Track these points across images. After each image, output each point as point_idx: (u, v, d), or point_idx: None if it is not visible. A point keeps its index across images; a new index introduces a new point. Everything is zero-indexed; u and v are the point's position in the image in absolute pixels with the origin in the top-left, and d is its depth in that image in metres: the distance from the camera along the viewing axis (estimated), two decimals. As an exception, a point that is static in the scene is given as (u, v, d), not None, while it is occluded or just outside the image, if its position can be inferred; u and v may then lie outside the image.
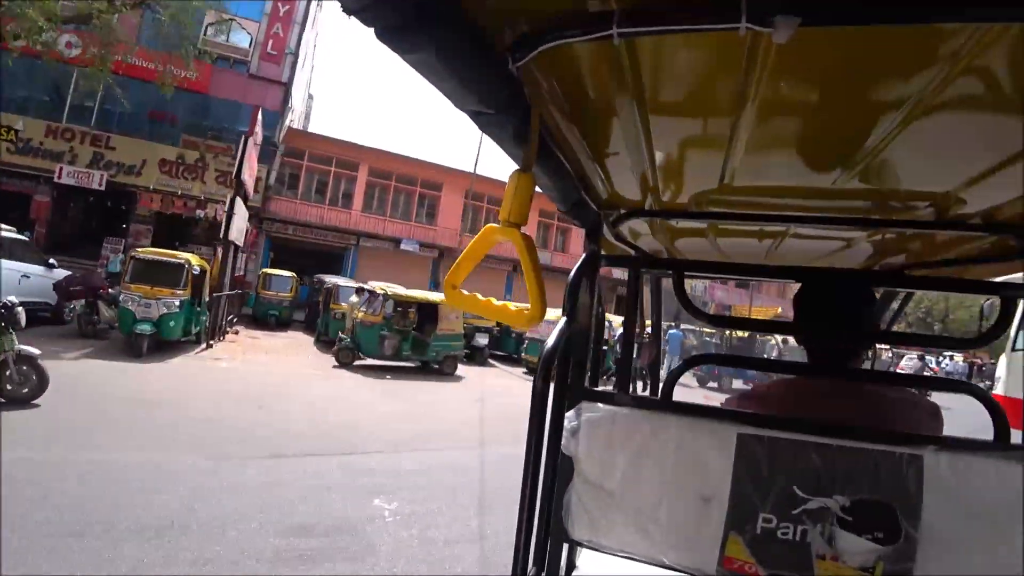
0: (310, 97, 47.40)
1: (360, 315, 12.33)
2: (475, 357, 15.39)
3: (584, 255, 1.28)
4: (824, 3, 0.55)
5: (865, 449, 0.93)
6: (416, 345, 12.77)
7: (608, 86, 0.81)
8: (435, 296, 12.91)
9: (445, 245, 23.95)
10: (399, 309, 12.67)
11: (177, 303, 10.46)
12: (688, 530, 1.01)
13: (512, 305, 0.90)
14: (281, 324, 17.15)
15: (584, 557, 1.55)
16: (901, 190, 1.11)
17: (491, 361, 16.14)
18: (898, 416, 1.15)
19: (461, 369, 13.54)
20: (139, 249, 10.64)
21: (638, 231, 1.66)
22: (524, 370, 14.87)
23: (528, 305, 0.84)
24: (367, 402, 8.89)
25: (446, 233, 24.10)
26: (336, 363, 11.90)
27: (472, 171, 22.85)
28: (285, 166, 22.46)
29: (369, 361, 12.12)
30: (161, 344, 10.41)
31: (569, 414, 1.12)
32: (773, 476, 0.96)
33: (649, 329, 2.54)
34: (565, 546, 1.34)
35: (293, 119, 22.81)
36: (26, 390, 5.94)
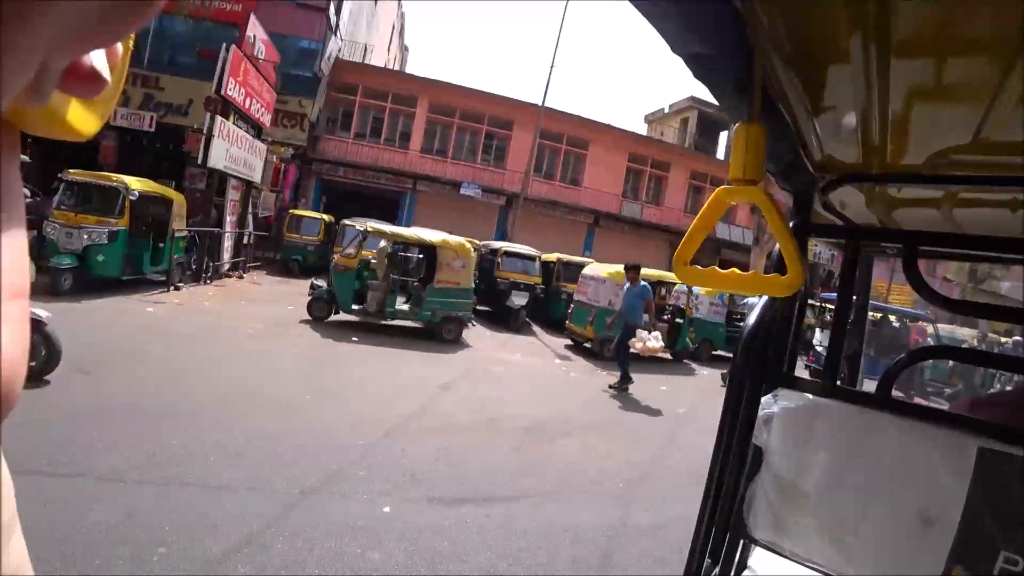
0: (404, 48, 45.88)
1: (335, 258, 9.90)
2: (509, 320, 12.42)
3: (793, 223, 1.16)
4: None
5: None
6: (408, 300, 10.16)
7: (843, 21, 0.67)
8: (432, 236, 10.05)
9: (513, 191, 20.98)
10: (391, 253, 10.08)
11: (106, 233, 8.69)
12: (899, 552, 0.87)
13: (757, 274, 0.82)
14: (305, 270, 15.39)
15: (758, 557, 1.33)
16: None
17: (533, 327, 13.13)
18: None
19: (480, 335, 10.84)
20: (70, 171, 8.97)
21: (847, 201, 1.40)
22: (568, 342, 11.74)
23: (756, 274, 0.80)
24: (272, 370, 6.36)
25: (515, 178, 21.07)
26: (307, 316, 9.62)
27: (540, 104, 19.37)
28: (337, 103, 20.63)
29: (348, 317, 9.68)
30: (93, 282, 8.74)
31: (765, 399, 1.04)
32: None
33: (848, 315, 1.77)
34: (741, 543, 1.20)
35: (343, 50, 20.69)
36: (33, 363, 4.42)
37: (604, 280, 10.77)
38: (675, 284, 11.73)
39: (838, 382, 1.25)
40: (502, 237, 20.28)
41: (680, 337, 11.37)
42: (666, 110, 29.59)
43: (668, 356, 10.80)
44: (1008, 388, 2.17)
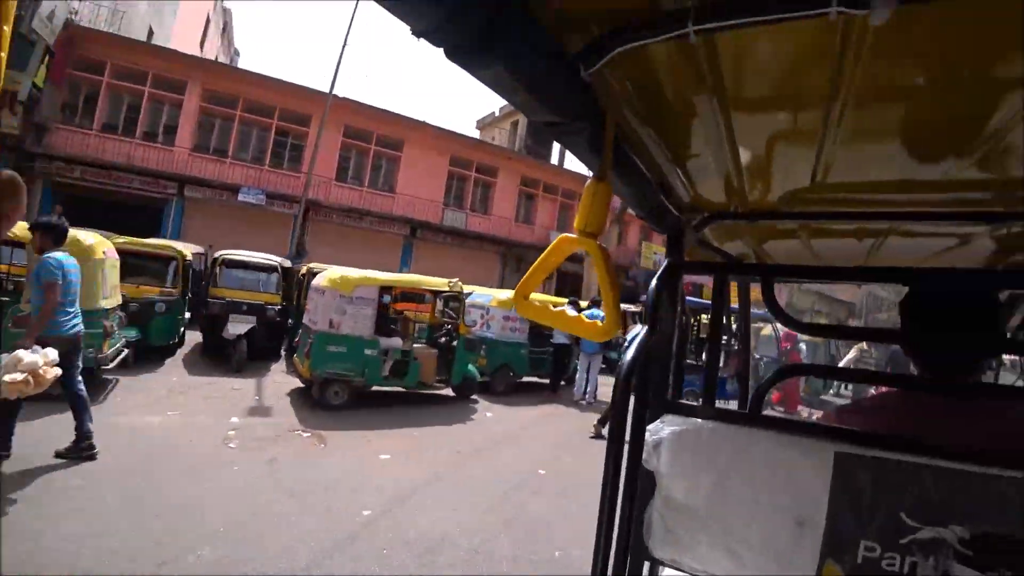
0: (235, 52, 38.27)
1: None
2: (227, 355, 8.79)
3: (666, 262, 1.24)
4: None
5: (992, 475, 0.82)
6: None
7: (686, 86, 0.80)
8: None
9: (315, 198, 18.10)
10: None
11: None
12: (781, 554, 0.95)
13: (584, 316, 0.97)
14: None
15: (666, 574, 1.46)
16: None
17: (273, 364, 9.64)
18: None
19: (146, 383, 7.09)
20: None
21: (723, 235, 1.64)
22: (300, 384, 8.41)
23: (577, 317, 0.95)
24: None
25: (319, 183, 18.21)
26: None
27: (329, 91, 16.71)
28: (77, 84, 16.47)
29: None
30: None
31: (651, 427, 1.09)
32: (877, 500, 0.88)
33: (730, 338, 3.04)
34: (646, 565, 1.29)
35: (86, 14, 16.49)
36: None
37: (324, 291, 7.51)
38: (457, 293, 8.40)
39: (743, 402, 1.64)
40: (298, 254, 17.38)
41: (458, 363, 8.34)
42: (496, 113, 28.22)
43: (445, 390, 8.48)
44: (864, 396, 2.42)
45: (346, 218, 19.31)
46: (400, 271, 17.20)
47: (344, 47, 17.66)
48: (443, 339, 8.69)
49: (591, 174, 0.90)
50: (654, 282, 1.15)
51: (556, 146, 27.01)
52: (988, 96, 0.74)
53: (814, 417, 2.06)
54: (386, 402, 7.72)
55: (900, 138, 0.92)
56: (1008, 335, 1.74)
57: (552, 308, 0.94)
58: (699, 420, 1.06)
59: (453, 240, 21.55)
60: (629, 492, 1.11)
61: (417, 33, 0.55)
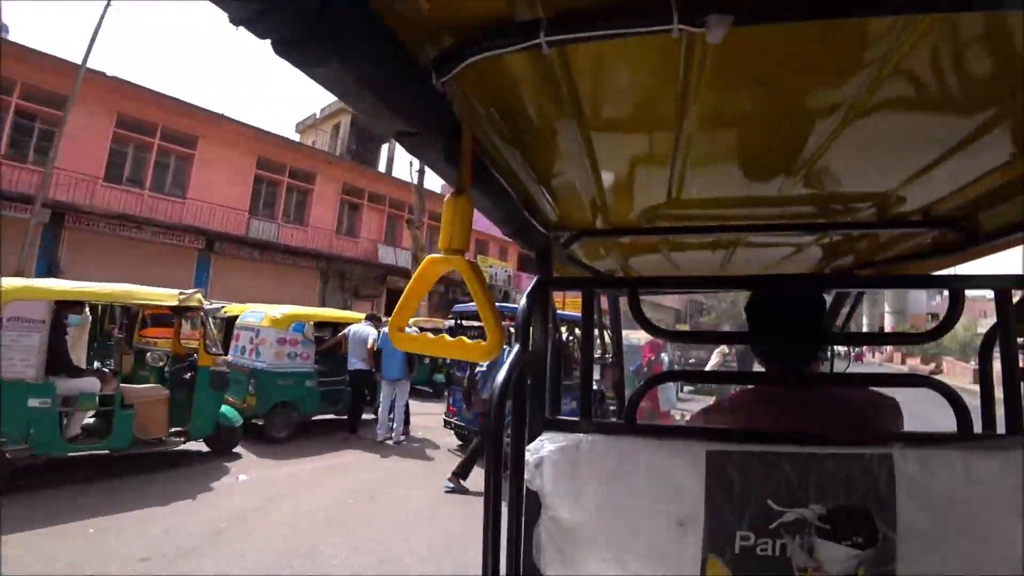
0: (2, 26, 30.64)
1: None
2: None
3: (535, 279, 1.28)
4: (757, 1, 0.55)
5: (835, 454, 0.94)
6: None
7: (543, 102, 0.81)
8: None
9: (71, 200, 14.43)
10: None
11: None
12: (666, 556, 0.99)
13: (466, 339, 0.94)
14: None
15: None
16: (844, 192, 1.18)
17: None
18: (863, 416, 1.18)
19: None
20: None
21: (592, 251, 1.72)
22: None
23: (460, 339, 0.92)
24: None
25: (77, 182, 14.55)
26: None
27: (82, 63, 13.42)
28: None
29: None
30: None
31: (530, 447, 1.09)
32: (747, 492, 0.96)
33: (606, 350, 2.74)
34: None
35: None
36: None
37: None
38: (194, 307, 6.21)
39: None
40: (48, 271, 13.69)
41: (200, 407, 6.11)
42: (317, 115, 25.71)
43: (186, 444, 6.22)
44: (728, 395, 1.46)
45: (119, 227, 15.77)
46: (194, 286, 14.37)
47: (107, 7, 14.17)
48: (188, 374, 6.36)
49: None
50: (524, 299, 1.18)
51: (384, 153, 25.39)
52: (805, 120, 0.84)
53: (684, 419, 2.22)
54: (81, 474, 5.41)
55: (738, 157, 1.02)
56: (836, 329, 2.01)
57: (430, 336, 0.92)
58: (579, 435, 1.07)
59: (262, 255, 18.88)
60: (515, 514, 1.12)
61: (237, 21, 0.49)
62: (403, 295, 0.86)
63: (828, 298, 1.79)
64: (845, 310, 2.02)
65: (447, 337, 0.94)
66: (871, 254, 1.65)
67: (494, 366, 5.49)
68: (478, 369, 6.07)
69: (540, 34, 0.59)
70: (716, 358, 9.71)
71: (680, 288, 2.42)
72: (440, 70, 0.67)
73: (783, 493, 0.94)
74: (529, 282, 1.24)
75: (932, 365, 32.40)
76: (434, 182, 19.11)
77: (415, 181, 18.28)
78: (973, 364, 21.47)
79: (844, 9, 0.55)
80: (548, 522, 1.07)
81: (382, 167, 24.77)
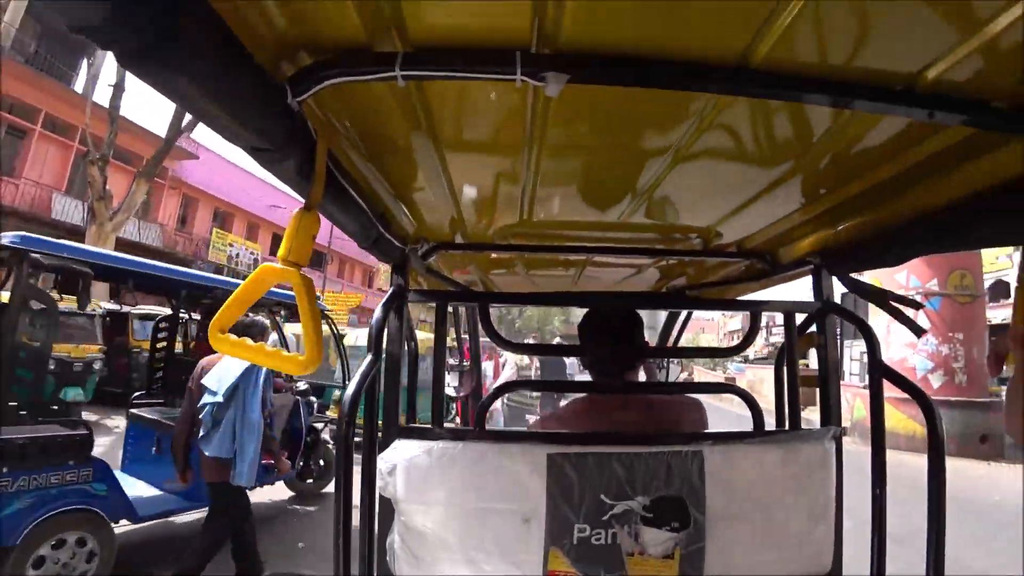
0: None
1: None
2: None
3: (391, 289, 1.31)
4: (589, 65, 0.64)
5: (657, 452, 1.06)
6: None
7: (401, 123, 0.84)
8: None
9: None
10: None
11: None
12: (512, 552, 1.05)
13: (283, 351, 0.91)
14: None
15: None
16: (675, 224, 1.37)
17: None
18: (677, 417, 1.34)
19: None
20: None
21: (452, 264, 1.83)
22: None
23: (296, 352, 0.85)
24: None
25: None
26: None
27: None
28: None
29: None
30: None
31: (383, 455, 1.12)
32: (583, 489, 1.04)
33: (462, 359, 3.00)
34: None
35: None
36: None
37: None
38: None
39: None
40: None
41: None
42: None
43: None
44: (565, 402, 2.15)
45: None
46: None
47: None
48: None
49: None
50: (379, 309, 1.20)
51: (84, 71, 18.26)
52: (638, 160, 0.98)
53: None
54: None
55: (583, 186, 1.14)
56: (672, 341, 2.62)
57: (249, 343, 0.85)
58: (430, 441, 1.10)
59: None
60: (367, 522, 1.14)
61: (75, 29, 0.46)
62: (230, 300, 0.81)
63: (663, 315, 2.60)
64: (677, 326, 2.56)
65: (266, 346, 0.87)
66: (698, 277, 1.91)
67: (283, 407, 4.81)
68: (269, 408, 4.17)
69: (396, 67, 0.62)
70: (510, 370, 9.52)
71: (525, 303, 2.46)
72: (296, 89, 0.67)
73: (613, 488, 1.04)
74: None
75: (686, 373, 36.09)
76: (136, 112, 13.68)
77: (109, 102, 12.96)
78: (720, 372, 24.35)
79: (661, 82, 0.65)
80: (401, 528, 1.12)
81: (79, 86, 17.69)
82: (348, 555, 0.96)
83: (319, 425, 5.56)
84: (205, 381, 3.44)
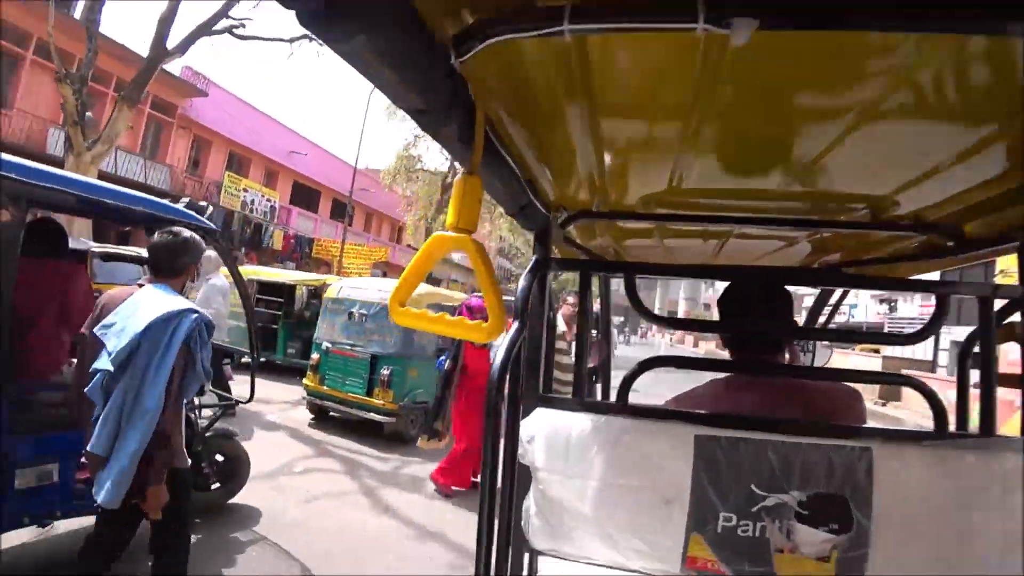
0: None
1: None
2: None
3: (534, 258, 1.28)
4: (783, 7, 0.57)
5: (818, 445, 0.99)
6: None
7: (556, 85, 0.81)
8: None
9: None
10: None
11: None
12: (651, 533, 1.04)
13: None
14: None
15: (546, 565, 1.51)
16: (839, 192, 1.21)
17: None
18: (836, 406, 1.26)
19: None
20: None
21: (587, 233, 1.74)
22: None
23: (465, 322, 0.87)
24: None
25: None
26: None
27: None
28: None
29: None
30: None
31: (524, 422, 1.14)
32: (732, 475, 1.00)
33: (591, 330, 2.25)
34: (527, 555, 1.37)
35: None
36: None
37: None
38: None
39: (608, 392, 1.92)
40: None
41: None
42: None
43: None
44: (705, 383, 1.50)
45: None
46: None
47: None
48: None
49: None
50: (523, 279, 1.19)
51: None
52: (815, 121, 0.88)
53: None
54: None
55: (742, 151, 1.05)
56: (818, 324, 2.30)
57: (430, 314, 0.87)
58: (571, 412, 1.11)
59: None
60: (508, 487, 1.15)
61: None
62: (405, 272, 0.84)
63: (814, 294, 2.27)
64: (828, 306, 2.28)
65: (447, 316, 0.86)
66: (858, 253, 1.73)
67: None
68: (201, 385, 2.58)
69: (564, 21, 0.59)
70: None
71: (675, 275, 2.00)
72: (459, 49, 0.66)
73: (766, 478, 0.99)
74: (300, 219, 8.35)
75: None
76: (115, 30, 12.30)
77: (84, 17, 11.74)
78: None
79: (864, 23, 0.58)
80: (538, 495, 1.13)
81: (77, 13, 16.51)
82: (492, 517, 0.99)
83: (210, 412, 3.70)
84: (101, 332, 2.05)
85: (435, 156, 27.29)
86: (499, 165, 0.97)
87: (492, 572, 1.03)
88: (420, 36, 0.62)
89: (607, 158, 1.07)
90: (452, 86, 0.70)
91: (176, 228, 2.30)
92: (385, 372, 6.09)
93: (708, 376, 1.38)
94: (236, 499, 3.89)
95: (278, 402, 7.41)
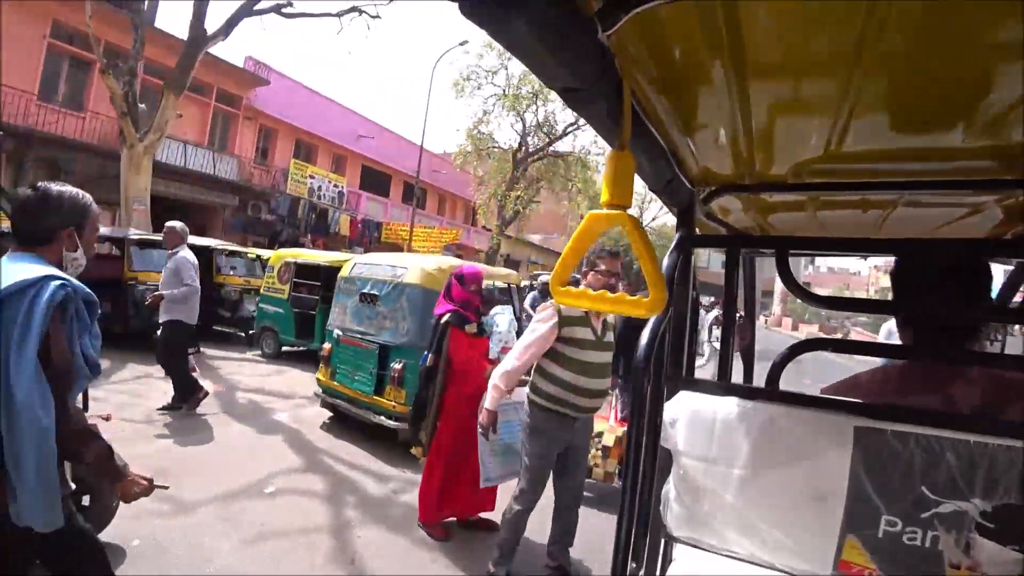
0: None
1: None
2: None
3: (677, 236, 1.26)
4: None
5: (1010, 447, 0.86)
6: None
7: (702, 49, 0.77)
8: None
9: None
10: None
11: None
12: (799, 531, 0.98)
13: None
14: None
15: (682, 552, 1.35)
16: None
17: None
18: None
19: None
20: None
21: (728, 208, 1.62)
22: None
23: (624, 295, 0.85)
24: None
25: None
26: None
27: None
28: None
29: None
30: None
31: (668, 405, 1.10)
32: (898, 474, 0.92)
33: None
34: (663, 542, 1.30)
35: None
36: None
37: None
38: None
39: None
40: None
41: None
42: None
43: None
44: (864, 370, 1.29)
45: None
46: None
47: None
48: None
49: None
50: (667, 257, 1.15)
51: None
52: (1006, 58, 0.73)
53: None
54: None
55: (917, 102, 0.90)
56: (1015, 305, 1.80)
57: (590, 292, 0.85)
58: (717, 397, 1.07)
59: None
60: (648, 470, 1.13)
61: None
62: (564, 252, 0.84)
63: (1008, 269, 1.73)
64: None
65: (608, 294, 0.84)
66: None
67: None
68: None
69: None
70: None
71: (836, 250, 1.82)
72: (606, 22, 0.66)
73: (941, 481, 0.89)
74: (369, 203, 7.62)
75: (839, 335, 30.35)
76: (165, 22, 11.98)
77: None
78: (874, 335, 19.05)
79: None
80: (678, 480, 1.08)
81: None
82: (634, 498, 1.00)
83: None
84: None
85: (506, 132, 26.19)
86: (644, 139, 0.96)
87: (630, 553, 1.02)
88: (570, 14, 0.63)
89: (755, 125, 0.98)
90: (600, 61, 0.71)
91: (45, 183, 1.76)
92: (397, 366, 4.96)
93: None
94: (127, 529, 2.95)
95: (298, 397, 6.60)
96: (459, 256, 19.69)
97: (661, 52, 0.78)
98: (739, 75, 0.81)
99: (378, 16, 15.33)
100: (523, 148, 21.66)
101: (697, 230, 1.49)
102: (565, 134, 21.14)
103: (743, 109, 0.92)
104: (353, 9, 14.84)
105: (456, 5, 0.54)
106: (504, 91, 20.61)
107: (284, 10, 13.63)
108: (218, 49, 13.42)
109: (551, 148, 21.90)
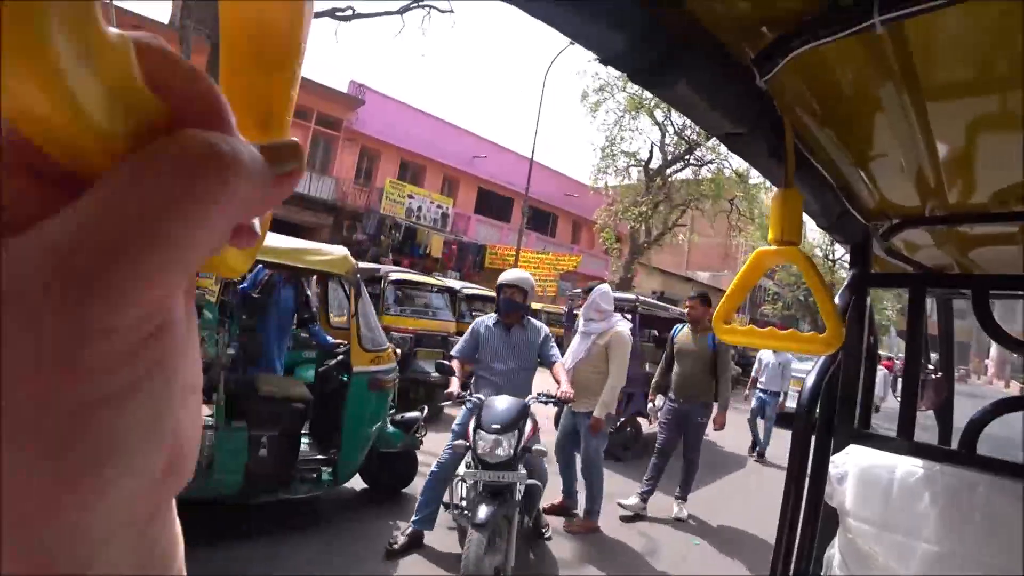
0: None
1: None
2: None
3: (851, 273, 1.19)
4: None
5: None
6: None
7: (869, 79, 0.74)
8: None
9: None
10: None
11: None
12: None
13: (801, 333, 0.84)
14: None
15: None
16: None
17: None
18: None
19: None
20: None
21: (916, 243, 1.47)
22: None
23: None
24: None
25: None
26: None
27: None
28: None
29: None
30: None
31: (835, 459, 1.01)
32: None
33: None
34: None
35: None
36: None
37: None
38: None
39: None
40: None
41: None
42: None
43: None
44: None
45: None
46: None
47: None
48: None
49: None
50: (839, 297, 1.08)
51: None
52: None
53: None
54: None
55: None
56: None
57: (756, 329, 0.83)
58: (895, 454, 0.96)
59: None
60: (809, 530, 1.03)
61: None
62: (730, 289, 0.83)
63: None
64: None
65: (775, 330, 0.82)
66: None
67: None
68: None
69: (874, 14, 0.56)
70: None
71: None
72: (763, 68, 0.66)
73: None
74: (481, 227, 6.24)
75: None
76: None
77: None
78: None
79: None
80: (844, 543, 0.99)
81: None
82: (789, 557, 0.91)
83: None
84: None
85: (637, 143, 22.92)
86: (809, 176, 0.92)
87: None
88: (727, 65, 0.65)
89: (940, 150, 0.89)
90: (759, 105, 0.71)
91: None
92: None
93: None
94: None
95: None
96: (577, 288, 17.13)
97: (823, 87, 0.76)
98: (914, 100, 0.75)
99: (451, 11, 14.19)
100: (664, 157, 18.63)
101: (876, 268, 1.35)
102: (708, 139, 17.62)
103: (924, 134, 0.84)
104: (418, 4, 13.89)
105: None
106: (636, 96, 17.85)
107: (339, 13, 13.16)
108: (321, 74, 13.42)
109: (692, 156, 18.44)
